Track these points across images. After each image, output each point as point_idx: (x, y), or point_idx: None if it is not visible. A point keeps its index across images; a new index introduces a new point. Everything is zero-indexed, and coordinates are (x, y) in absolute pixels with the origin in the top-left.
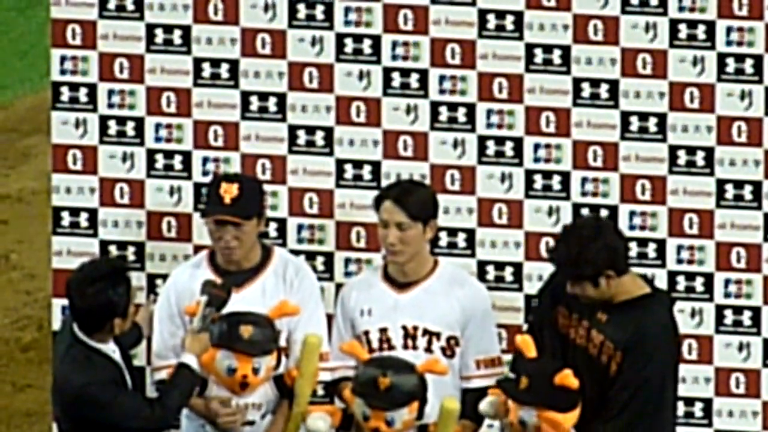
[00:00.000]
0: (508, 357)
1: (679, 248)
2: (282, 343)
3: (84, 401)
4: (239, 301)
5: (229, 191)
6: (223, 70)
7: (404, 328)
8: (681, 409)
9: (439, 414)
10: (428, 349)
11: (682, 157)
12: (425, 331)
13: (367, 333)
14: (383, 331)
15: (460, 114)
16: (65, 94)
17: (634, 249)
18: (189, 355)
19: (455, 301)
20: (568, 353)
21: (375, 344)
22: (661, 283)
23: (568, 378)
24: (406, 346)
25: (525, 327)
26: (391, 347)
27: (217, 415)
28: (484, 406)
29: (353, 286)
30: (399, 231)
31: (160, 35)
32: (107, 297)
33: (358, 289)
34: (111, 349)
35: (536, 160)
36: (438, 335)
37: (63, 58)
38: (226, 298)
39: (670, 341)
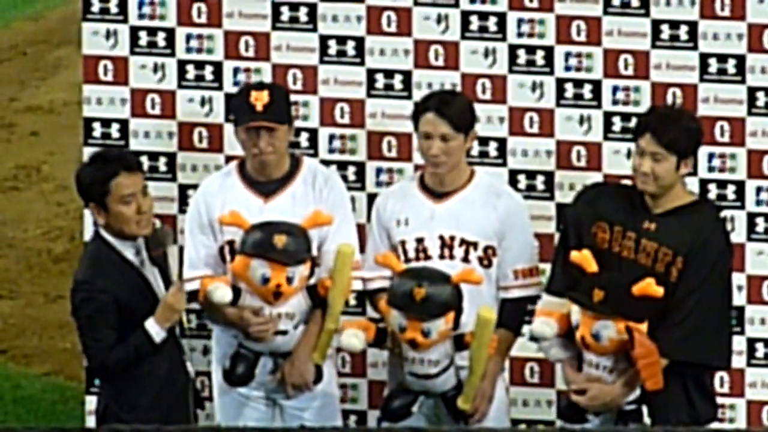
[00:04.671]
0: (543, 266)
1: (759, 190)
2: (313, 252)
3: (74, 296)
4: (270, 211)
5: (260, 98)
6: None
7: (441, 238)
8: (761, 350)
9: (476, 323)
10: (465, 259)
11: (761, 99)
12: (462, 241)
13: (403, 243)
14: (420, 241)
15: (491, 23)
16: (96, 5)
17: (713, 190)
18: (152, 323)
19: (492, 210)
20: (613, 268)
21: (411, 254)
22: (741, 225)
23: (650, 287)
24: (442, 256)
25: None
26: (427, 257)
27: (249, 325)
28: (539, 326)
29: (389, 195)
30: (442, 143)
31: None
32: (83, 176)
33: (394, 199)
34: (133, 249)
35: (567, 68)
36: (475, 245)
37: None
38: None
39: (729, 245)
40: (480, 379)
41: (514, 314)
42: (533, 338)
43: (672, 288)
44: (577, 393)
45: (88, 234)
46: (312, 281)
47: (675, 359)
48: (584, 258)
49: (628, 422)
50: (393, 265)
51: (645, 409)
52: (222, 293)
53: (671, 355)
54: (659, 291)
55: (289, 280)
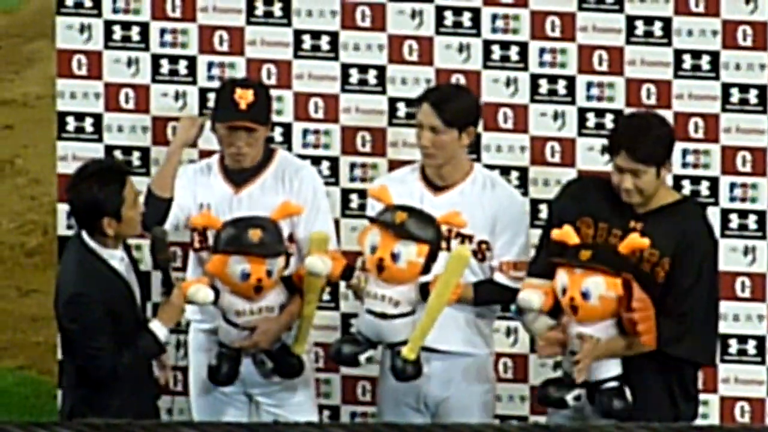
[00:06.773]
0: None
1: (732, 186)
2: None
3: (70, 309)
4: (241, 201)
5: (244, 97)
6: None
7: None
8: (734, 346)
9: (448, 260)
10: None
11: (735, 95)
12: (457, 234)
13: None
14: None
15: (465, 18)
16: None
17: (687, 187)
18: (158, 324)
19: (487, 204)
20: None
21: None
22: (714, 221)
23: (636, 240)
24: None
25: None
26: None
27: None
28: (526, 294)
29: (388, 183)
30: (432, 134)
31: None
32: (93, 193)
33: (395, 187)
34: (118, 256)
35: (542, 64)
36: (470, 238)
37: None
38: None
39: (715, 244)
40: (432, 325)
41: (488, 290)
42: (519, 311)
43: (658, 289)
44: (572, 360)
45: (61, 228)
46: (287, 272)
47: (666, 353)
48: (565, 232)
49: (611, 399)
50: (385, 198)
51: (627, 390)
52: (204, 294)
53: (662, 350)
54: (645, 242)
55: (269, 273)
